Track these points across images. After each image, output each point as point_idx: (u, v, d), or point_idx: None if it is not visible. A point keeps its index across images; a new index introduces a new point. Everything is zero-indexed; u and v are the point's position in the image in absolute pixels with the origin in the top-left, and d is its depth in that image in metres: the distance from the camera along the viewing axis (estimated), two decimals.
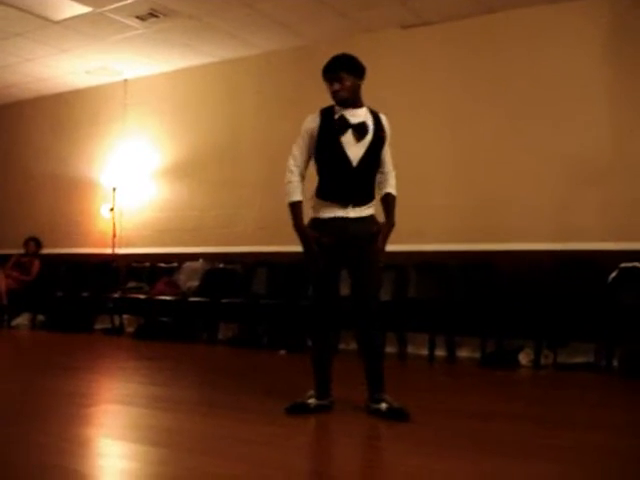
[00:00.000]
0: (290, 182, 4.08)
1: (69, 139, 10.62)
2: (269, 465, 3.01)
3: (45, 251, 10.45)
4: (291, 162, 4.12)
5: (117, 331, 9.19)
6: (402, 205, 7.54)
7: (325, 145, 4.04)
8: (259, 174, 8.65)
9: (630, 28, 6.71)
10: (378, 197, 4.25)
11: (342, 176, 4.03)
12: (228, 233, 8.85)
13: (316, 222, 4.10)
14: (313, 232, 4.04)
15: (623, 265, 6.33)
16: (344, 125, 4.01)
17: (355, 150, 4.00)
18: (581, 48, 6.92)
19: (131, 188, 9.85)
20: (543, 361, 6.32)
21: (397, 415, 3.87)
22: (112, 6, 7.36)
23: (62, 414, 4.00)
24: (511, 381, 5.87)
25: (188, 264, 8.82)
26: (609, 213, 6.68)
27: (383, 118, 4.18)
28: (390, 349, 7.27)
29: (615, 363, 6.09)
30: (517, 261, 6.86)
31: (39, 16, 7.65)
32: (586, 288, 6.37)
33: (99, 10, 7.48)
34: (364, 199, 4.09)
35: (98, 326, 9.59)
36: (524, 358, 6.40)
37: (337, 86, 4.04)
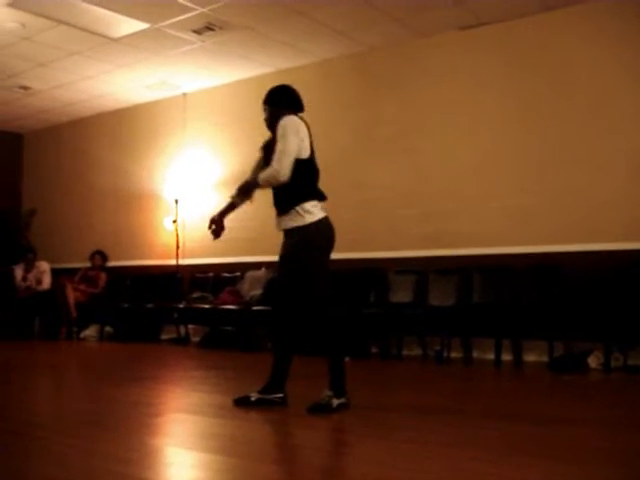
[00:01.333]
0: None
1: (131, 154, 10.82)
2: (339, 474, 2.99)
3: (110, 264, 10.65)
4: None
5: (183, 341, 9.31)
6: (465, 207, 7.55)
7: None
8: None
9: None
10: None
11: None
12: None
13: None
14: None
15: None
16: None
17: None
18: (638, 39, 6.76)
19: (193, 200, 9.97)
20: (613, 364, 6.18)
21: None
22: (169, 21, 7.48)
23: (130, 424, 4.04)
24: (580, 385, 5.75)
25: (251, 273, 8.88)
26: None
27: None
28: (455, 354, 7.20)
29: None
30: (585, 262, 6.71)
31: (98, 34, 7.82)
32: None
33: (156, 26, 7.61)
34: (280, 208, 4.43)
35: (164, 336, 9.74)
36: (594, 361, 6.26)
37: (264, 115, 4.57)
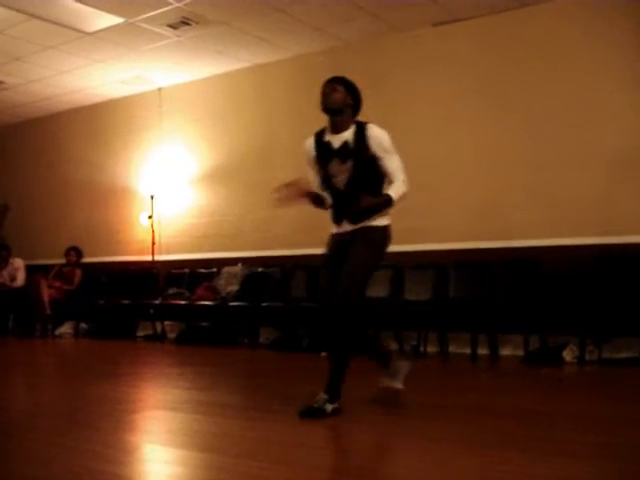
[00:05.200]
0: None
1: (106, 149, 10.74)
2: (318, 467, 3.00)
3: (86, 260, 10.57)
4: (315, 188, 4.34)
5: (159, 337, 9.27)
6: (442, 202, 7.58)
7: (319, 171, 4.31)
8: (295, 177, 8.66)
9: None
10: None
11: (335, 199, 4.25)
12: (266, 237, 8.86)
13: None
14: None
15: None
16: (329, 153, 4.22)
17: (342, 175, 4.17)
18: (615, 37, 6.79)
19: (169, 195, 9.92)
20: (588, 357, 6.24)
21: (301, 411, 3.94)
22: (144, 16, 7.43)
23: (108, 421, 4.03)
24: (555, 378, 5.81)
25: (227, 269, 8.86)
26: None
27: (371, 130, 4.23)
28: (432, 349, 7.24)
29: None
30: (560, 256, 6.76)
31: (72, 28, 7.75)
32: (630, 281, 6.27)
33: (131, 20, 7.55)
34: (359, 219, 4.16)
35: (140, 333, 9.68)
36: (568, 354, 6.32)
37: (329, 89, 4.30)
